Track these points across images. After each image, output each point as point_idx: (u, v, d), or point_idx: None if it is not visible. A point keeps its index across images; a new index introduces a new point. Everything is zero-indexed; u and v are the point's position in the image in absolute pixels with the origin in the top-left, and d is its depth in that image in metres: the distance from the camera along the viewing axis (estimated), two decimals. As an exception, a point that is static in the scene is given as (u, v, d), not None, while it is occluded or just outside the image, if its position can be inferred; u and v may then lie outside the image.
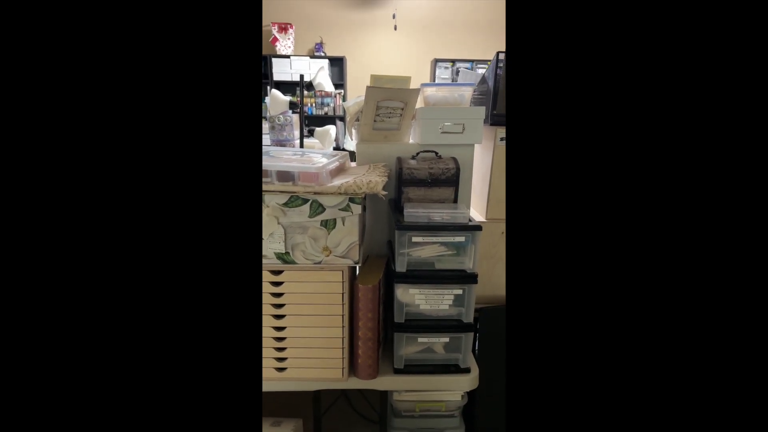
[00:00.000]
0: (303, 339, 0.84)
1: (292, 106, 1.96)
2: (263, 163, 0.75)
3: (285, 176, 0.74)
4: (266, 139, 4.10)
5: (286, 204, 0.75)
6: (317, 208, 0.76)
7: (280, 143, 2.38)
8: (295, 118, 2.44)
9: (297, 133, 2.46)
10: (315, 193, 0.74)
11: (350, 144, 2.36)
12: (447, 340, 0.89)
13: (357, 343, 0.85)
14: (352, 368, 0.88)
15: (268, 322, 0.82)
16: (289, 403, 1.63)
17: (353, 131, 1.14)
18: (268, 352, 0.84)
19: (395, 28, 3.88)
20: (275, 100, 1.85)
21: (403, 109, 1.03)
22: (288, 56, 3.78)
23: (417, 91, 1.01)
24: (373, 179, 0.76)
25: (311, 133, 2.15)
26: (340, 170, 0.90)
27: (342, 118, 4.01)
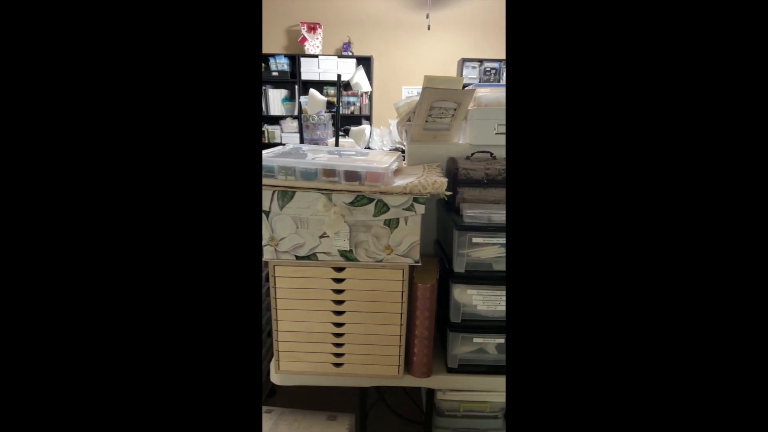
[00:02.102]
0: (361, 336, 0.85)
1: (329, 105, 1.99)
2: (332, 162, 0.76)
3: (352, 176, 0.76)
4: (295, 138, 4.14)
5: (352, 203, 0.77)
6: (382, 208, 0.77)
7: (313, 142, 2.41)
8: (328, 116, 2.47)
9: (330, 132, 2.49)
10: (381, 193, 0.76)
11: (376, 143, 2.37)
12: (502, 340, 0.89)
13: (413, 342, 0.86)
14: (408, 366, 0.89)
15: (328, 318, 0.84)
16: (337, 398, 1.66)
17: (403, 132, 1.15)
18: (326, 348, 0.86)
19: (428, 28, 3.87)
20: (313, 100, 1.87)
21: (455, 109, 1.04)
22: (316, 56, 3.82)
23: (472, 92, 1.01)
24: (438, 180, 0.77)
25: (346, 133, 2.18)
26: (398, 171, 0.91)
27: (368, 118, 4.03)
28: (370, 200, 0.77)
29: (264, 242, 0.82)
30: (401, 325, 0.84)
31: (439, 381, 0.90)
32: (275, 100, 3.96)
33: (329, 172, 0.76)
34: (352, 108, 4.01)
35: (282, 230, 0.80)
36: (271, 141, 3.99)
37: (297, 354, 0.87)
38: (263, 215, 0.80)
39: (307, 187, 0.76)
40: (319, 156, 0.83)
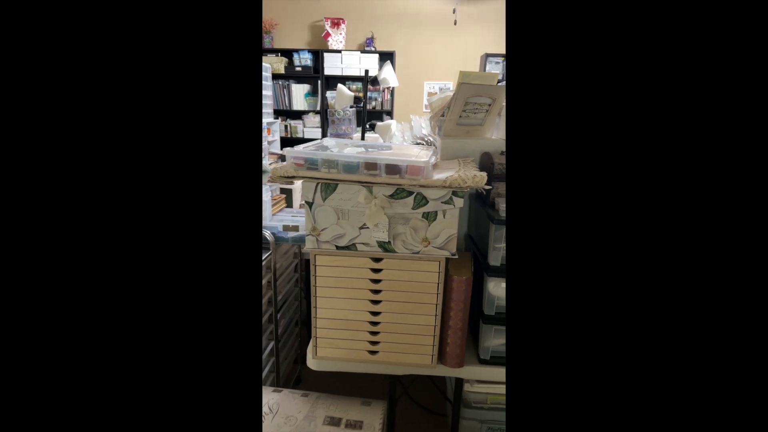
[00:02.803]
0: (396, 325, 0.88)
1: (356, 100, 2.01)
2: (372, 156, 0.79)
3: (393, 170, 0.78)
4: (317, 133, 4.17)
5: (392, 196, 0.79)
6: (421, 201, 0.79)
7: (337, 137, 2.44)
8: (353, 112, 2.49)
9: (354, 127, 2.51)
10: (420, 186, 0.78)
11: (397, 138, 2.38)
12: (534, 334, 0.90)
13: (447, 332, 0.88)
14: (440, 356, 0.91)
15: (365, 306, 0.87)
16: (367, 386, 1.70)
17: (436, 127, 1.16)
18: (362, 335, 0.89)
19: (455, 23, 3.85)
20: (341, 95, 1.90)
21: (490, 105, 1.04)
22: (339, 51, 3.85)
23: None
24: (478, 174, 0.78)
25: (372, 128, 2.20)
26: (434, 165, 0.92)
27: (389, 113, 4.04)
28: (410, 193, 0.79)
29: (306, 232, 0.85)
30: (436, 315, 0.86)
31: (470, 372, 0.91)
32: (298, 95, 4.01)
33: (371, 166, 0.78)
34: (373, 103, 4.03)
35: (324, 221, 0.83)
36: (293, 135, 4.04)
37: (334, 341, 0.90)
38: (307, 206, 0.83)
39: (349, 180, 0.79)
40: (347, 150, 0.85)
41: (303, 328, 1.73)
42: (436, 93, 4.33)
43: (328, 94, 3.95)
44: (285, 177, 0.82)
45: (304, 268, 1.70)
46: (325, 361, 0.92)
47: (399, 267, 0.84)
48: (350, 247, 0.84)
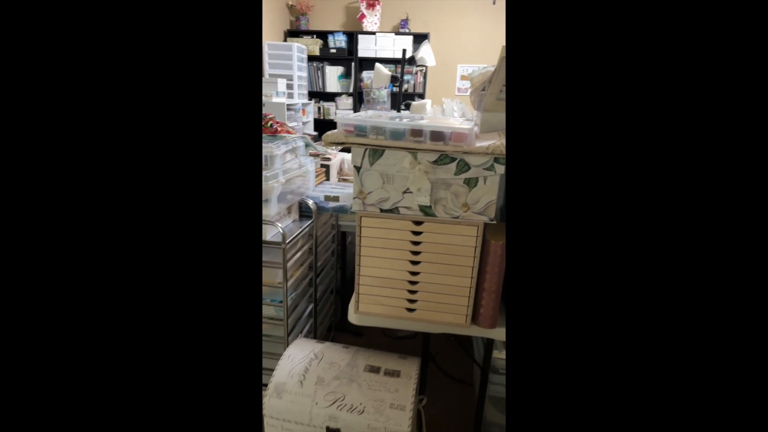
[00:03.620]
0: (434, 285, 0.94)
1: (393, 80, 2.04)
2: (418, 123, 0.84)
3: (437, 136, 0.82)
4: (350, 115, 4.24)
5: (435, 162, 0.84)
6: (463, 167, 0.84)
7: (372, 117, 2.48)
8: (386, 93, 2.52)
9: (388, 107, 2.55)
10: (463, 153, 0.82)
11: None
12: (567, 301, 0.94)
13: (482, 294, 0.94)
14: (474, 317, 0.97)
15: (405, 267, 0.94)
16: (399, 346, 1.78)
17: (476, 101, 1.19)
18: (401, 294, 0.96)
19: (494, 2, 3.77)
20: (379, 74, 1.94)
21: (531, 79, 1.06)
22: (374, 33, 3.86)
23: (550, 61, 1.03)
24: (519, 142, 0.81)
25: (407, 107, 2.23)
26: (476, 136, 0.96)
27: (422, 96, 4.04)
28: (453, 159, 0.84)
29: (354, 195, 0.92)
30: (472, 278, 0.92)
31: (502, 333, 0.97)
32: (332, 76, 4.07)
33: (416, 132, 0.83)
34: (406, 86, 4.03)
35: (370, 185, 0.89)
36: (326, 117, 4.12)
37: (375, 297, 0.97)
38: (355, 170, 0.89)
39: (395, 146, 0.84)
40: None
41: (338, 297, 1.82)
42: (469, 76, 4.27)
43: (365, 74, 3.98)
44: (336, 143, 0.89)
45: (340, 241, 1.78)
46: (366, 316, 1.00)
47: (439, 231, 0.90)
48: (393, 210, 0.90)
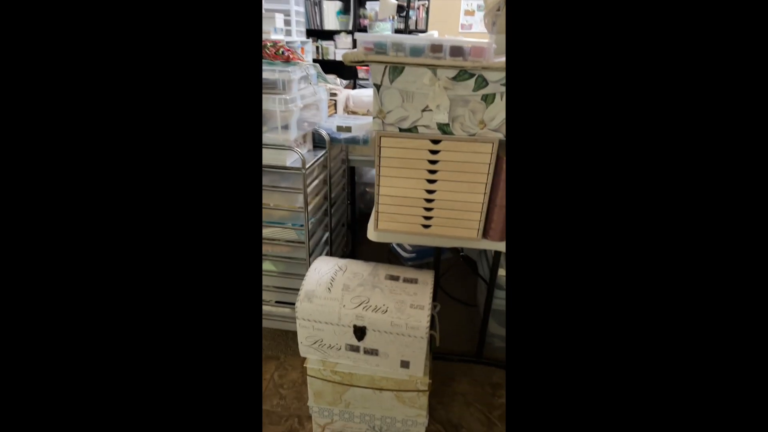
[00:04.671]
0: (448, 202, 1.00)
1: (399, 9, 1.97)
2: (438, 38, 0.85)
3: (457, 51, 0.84)
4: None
5: (454, 78, 0.87)
6: (481, 83, 0.86)
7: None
8: (390, 25, 2.43)
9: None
10: (483, 68, 0.84)
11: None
12: (572, 215, 1.01)
13: (493, 209, 1.00)
14: (485, 232, 1.04)
15: (422, 185, 0.99)
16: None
17: (491, 24, 1.18)
18: (418, 211, 1.03)
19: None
20: (385, 4, 1.87)
21: None
22: (373, -38, 3.61)
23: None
24: (537, 56, 0.83)
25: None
26: (492, 54, 0.97)
27: (423, 32, 3.86)
28: (472, 75, 0.86)
29: (373, 115, 0.95)
30: (485, 194, 0.98)
31: (511, 246, 1.05)
32: (329, 13, 3.87)
33: (436, 48, 0.85)
34: (408, 22, 3.84)
35: (389, 103, 0.92)
36: (325, 57, 3.97)
37: (393, 215, 1.04)
38: (375, 89, 0.92)
39: (415, 62, 0.86)
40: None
41: (348, 230, 1.91)
42: (473, 11, 4.06)
43: (368, 5, 3.78)
44: (356, 61, 0.90)
45: (349, 176, 1.83)
46: (384, 234, 1.07)
47: (455, 149, 0.94)
48: (412, 129, 0.94)
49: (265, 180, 1.24)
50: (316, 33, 3.95)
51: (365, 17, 3.82)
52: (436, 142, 0.95)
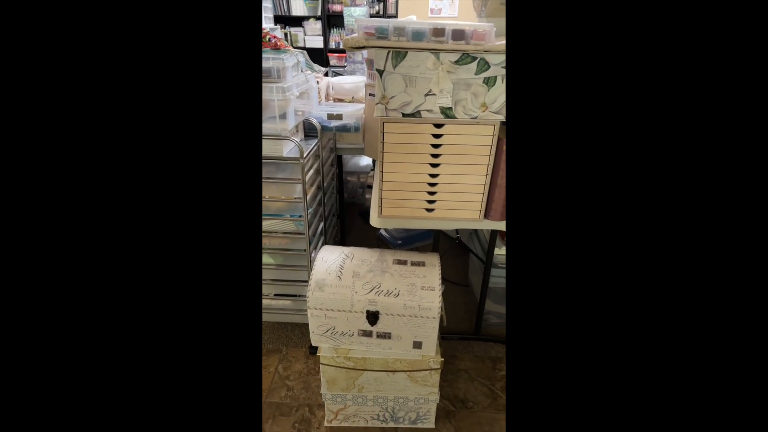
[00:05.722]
0: (451, 185, 1.03)
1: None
2: (441, 23, 0.85)
3: (459, 35, 0.85)
4: (320, 41, 3.94)
5: (457, 62, 0.88)
6: (483, 66, 0.88)
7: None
8: (365, 11, 2.41)
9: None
10: (484, 51, 0.86)
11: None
12: (567, 191, 1.06)
13: (494, 191, 1.04)
14: (487, 212, 1.08)
15: (425, 170, 1.01)
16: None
17: (481, 8, 1.20)
18: (421, 195, 1.04)
19: None
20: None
21: (536, -20, 1.07)
22: (339, -56, 3.52)
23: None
24: (536, 39, 0.86)
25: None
26: (488, 37, 0.99)
27: (394, 17, 3.84)
28: (474, 59, 0.87)
29: (376, 101, 0.95)
30: (487, 175, 1.01)
31: (511, 224, 1.09)
32: (297, -2, 3.75)
33: (438, 32, 0.86)
34: (377, 7, 3.80)
35: (392, 89, 0.92)
36: (295, 45, 3.86)
37: (396, 201, 1.05)
38: (377, 74, 0.91)
39: (417, 47, 0.86)
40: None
41: (338, 220, 1.90)
42: (442, -4, 4.06)
43: None
44: (357, 47, 0.89)
45: (338, 164, 1.81)
46: (388, 219, 1.08)
47: (458, 132, 0.96)
48: (415, 114, 0.95)
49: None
50: (284, 19, 3.83)
51: (335, 2, 3.73)
52: (438, 126, 0.96)
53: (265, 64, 1.04)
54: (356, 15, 2.34)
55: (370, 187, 2.63)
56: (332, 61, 3.85)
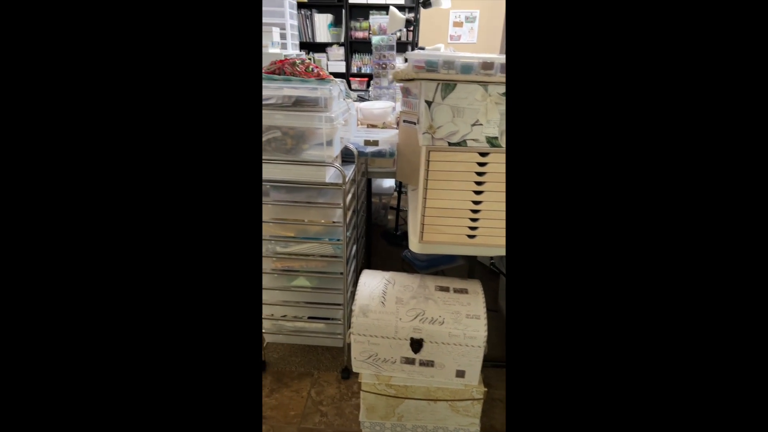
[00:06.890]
0: (494, 212, 1.03)
1: (407, 24, 2.01)
2: (489, 56, 0.88)
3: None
4: (342, 66, 4.07)
5: (504, 93, 0.90)
6: (530, 98, 0.90)
7: (380, 65, 2.46)
8: (393, 38, 2.48)
9: (395, 53, 2.52)
10: (532, 84, 0.88)
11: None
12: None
13: (537, 218, 1.04)
14: (528, 239, 1.08)
15: (469, 197, 1.02)
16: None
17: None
18: (463, 222, 1.05)
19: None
20: (394, 18, 1.91)
21: None
22: (365, -24, 3.68)
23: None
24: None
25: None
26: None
27: (415, 45, 3.94)
28: (521, 91, 0.90)
29: (423, 130, 0.97)
30: (530, 203, 1.02)
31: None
32: (321, 25, 3.90)
33: (487, 65, 0.88)
34: (399, 34, 3.92)
35: (440, 119, 0.95)
36: (318, 70, 3.99)
37: (438, 227, 1.06)
38: (425, 105, 0.94)
39: (467, 80, 0.89)
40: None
41: (366, 242, 1.91)
42: (461, 23, 4.18)
43: (372, 19, 3.81)
44: (406, 79, 0.93)
45: (368, 188, 1.84)
46: (429, 245, 1.09)
47: (503, 160, 0.98)
48: (461, 143, 0.97)
49: (301, 196, 1.24)
50: (309, 45, 3.97)
51: (357, 29, 3.87)
52: (484, 155, 0.98)
53: (312, 94, 1.08)
54: (384, 43, 2.42)
55: (393, 208, 2.65)
56: (353, 85, 3.96)
